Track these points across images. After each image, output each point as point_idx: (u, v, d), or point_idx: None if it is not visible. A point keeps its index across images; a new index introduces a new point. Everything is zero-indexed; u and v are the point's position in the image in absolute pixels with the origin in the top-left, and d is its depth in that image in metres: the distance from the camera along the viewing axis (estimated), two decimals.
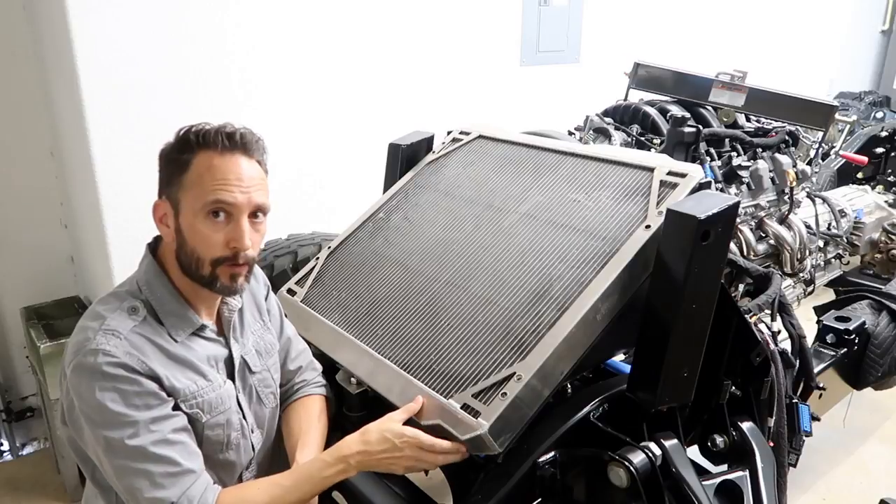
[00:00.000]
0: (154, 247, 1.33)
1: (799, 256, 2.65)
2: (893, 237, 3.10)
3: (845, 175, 3.57)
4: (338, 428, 1.59)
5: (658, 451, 1.28)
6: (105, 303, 1.26)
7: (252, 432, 1.40)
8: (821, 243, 2.82)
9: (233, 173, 1.22)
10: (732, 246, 2.46)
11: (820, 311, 2.47)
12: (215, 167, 1.21)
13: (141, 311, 1.24)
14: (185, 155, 1.23)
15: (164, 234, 1.29)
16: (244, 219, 1.23)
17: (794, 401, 1.70)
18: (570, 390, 1.47)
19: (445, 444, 1.25)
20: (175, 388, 1.23)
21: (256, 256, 1.30)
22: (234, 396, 1.34)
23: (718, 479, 1.38)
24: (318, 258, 1.78)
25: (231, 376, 1.36)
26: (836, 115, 2.81)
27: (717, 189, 2.46)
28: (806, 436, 1.72)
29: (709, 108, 2.85)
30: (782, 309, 1.78)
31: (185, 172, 1.22)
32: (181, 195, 1.23)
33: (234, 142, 1.23)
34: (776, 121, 2.82)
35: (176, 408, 1.23)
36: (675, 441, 1.32)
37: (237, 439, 1.35)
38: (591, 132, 2.72)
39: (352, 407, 1.57)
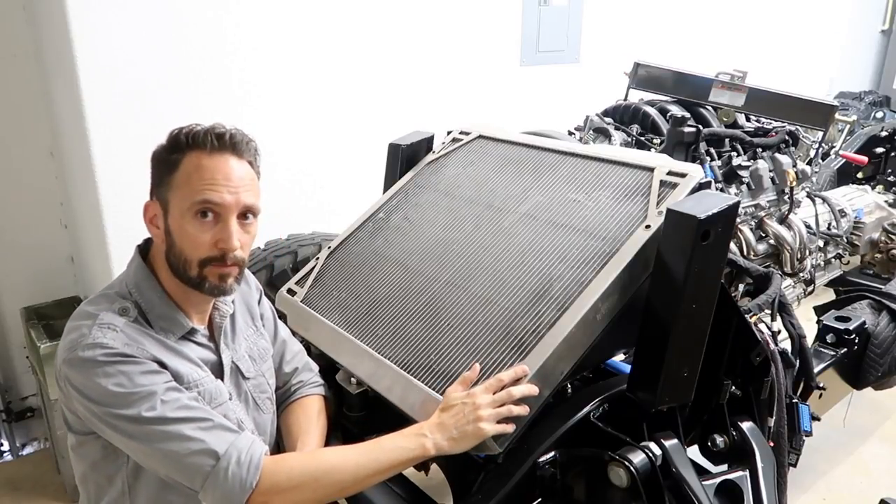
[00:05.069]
0: (144, 248, 1.33)
1: (799, 256, 2.65)
2: (893, 237, 3.10)
3: (845, 175, 3.57)
4: (337, 428, 1.59)
5: (658, 451, 1.29)
6: (94, 304, 1.24)
7: None
8: (821, 243, 2.83)
9: (221, 173, 1.21)
10: (732, 246, 2.46)
11: (820, 311, 2.46)
12: (203, 167, 1.21)
13: (131, 311, 1.24)
14: (175, 155, 1.22)
15: (155, 236, 1.28)
16: (232, 219, 1.22)
17: (794, 401, 1.70)
18: (570, 390, 1.47)
19: (509, 372, 1.24)
20: (179, 372, 1.23)
21: (246, 258, 1.29)
22: (227, 394, 1.33)
23: (718, 479, 1.38)
24: (318, 258, 1.78)
25: (220, 379, 1.35)
26: (836, 115, 2.81)
27: (717, 189, 2.46)
28: (806, 436, 1.72)
29: (709, 108, 2.85)
30: (782, 309, 1.78)
31: (173, 173, 1.22)
32: (170, 195, 1.23)
33: (223, 142, 1.23)
34: (776, 121, 2.82)
35: None
36: (675, 441, 1.32)
37: None
38: (591, 132, 2.72)
39: (352, 407, 1.57)
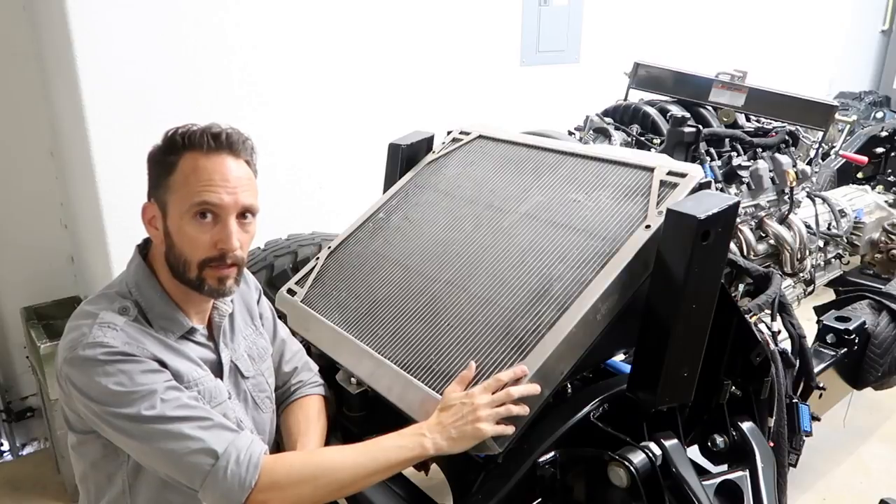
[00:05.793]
0: (143, 248, 1.33)
1: (799, 256, 2.65)
2: (893, 237, 3.10)
3: (845, 175, 3.57)
4: (337, 428, 1.59)
5: (658, 451, 1.29)
6: (94, 303, 1.25)
7: None
8: (821, 243, 2.83)
9: (218, 174, 1.21)
10: (732, 246, 2.46)
11: (820, 311, 2.46)
12: (201, 168, 1.21)
13: (132, 311, 1.24)
14: (171, 157, 1.22)
15: (153, 237, 1.28)
16: (231, 220, 1.22)
17: (794, 401, 1.70)
18: (570, 390, 1.47)
19: (509, 372, 1.24)
20: (179, 371, 1.23)
21: (245, 258, 1.29)
22: (226, 393, 1.33)
23: (718, 479, 1.38)
24: (318, 258, 1.78)
25: (219, 378, 1.35)
26: (836, 115, 2.81)
27: (717, 189, 2.46)
28: (806, 436, 1.72)
29: (709, 108, 2.85)
30: (782, 309, 1.78)
31: (171, 174, 1.22)
32: (168, 197, 1.23)
33: (219, 142, 1.22)
34: (776, 121, 2.82)
35: None
36: (675, 441, 1.32)
37: None
38: (591, 132, 2.72)
39: (352, 407, 1.57)
